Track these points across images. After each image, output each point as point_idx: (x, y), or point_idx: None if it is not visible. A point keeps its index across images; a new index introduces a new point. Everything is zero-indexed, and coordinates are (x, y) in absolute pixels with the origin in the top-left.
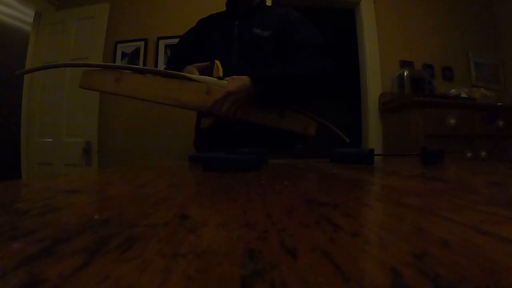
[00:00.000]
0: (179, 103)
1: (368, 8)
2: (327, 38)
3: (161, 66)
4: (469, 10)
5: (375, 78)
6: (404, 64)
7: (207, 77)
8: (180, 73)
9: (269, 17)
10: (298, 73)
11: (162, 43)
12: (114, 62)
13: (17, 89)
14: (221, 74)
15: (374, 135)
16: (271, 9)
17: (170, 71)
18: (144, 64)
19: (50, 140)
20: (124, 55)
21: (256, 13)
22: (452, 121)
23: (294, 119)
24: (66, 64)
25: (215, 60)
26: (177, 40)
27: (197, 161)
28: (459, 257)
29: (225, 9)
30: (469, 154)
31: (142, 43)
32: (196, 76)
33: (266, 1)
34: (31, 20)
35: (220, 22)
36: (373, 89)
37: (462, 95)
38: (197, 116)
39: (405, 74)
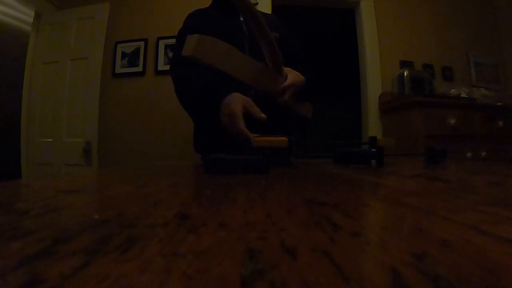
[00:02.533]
0: (258, 85)
1: (368, 8)
2: (327, 38)
3: (161, 66)
4: (469, 10)
5: (375, 78)
6: (404, 64)
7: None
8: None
9: (270, 19)
10: (321, 81)
11: (162, 43)
12: (114, 62)
13: (17, 89)
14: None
15: (374, 135)
16: (266, 13)
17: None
18: (144, 64)
19: (50, 140)
20: (124, 55)
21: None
22: (452, 121)
23: (303, 104)
24: None
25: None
26: None
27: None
28: (459, 257)
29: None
30: (469, 154)
31: (142, 43)
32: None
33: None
34: (31, 20)
35: (219, 16)
36: (373, 89)
37: (462, 95)
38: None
39: (405, 74)
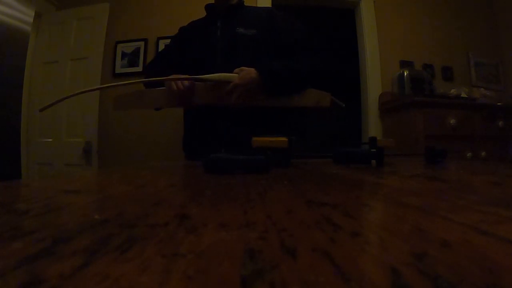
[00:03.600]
0: (195, 104)
1: (368, 8)
2: (326, 38)
3: None
4: (469, 10)
5: (375, 78)
6: (404, 64)
7: (217, 74)
8: (192, 76)
9: (252, 16)
10: (301, 68)
11: (162, 43)
12: (114, 62)
13: (17, 89)
14: None
15: (374, 135)
16: (252, 8)
17: (186, 76)
18: (144, 64)
19: (50, 140)
20: (124, 55)
21: (237, 13)
22: (452, 121)
23: (304, 94)
24: (81, 92)
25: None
26: None
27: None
28: (459, 257)
29: (205, 14)
30: (469, 154)
31: (142, 43)
32: (207, 76)
33: (244, 1)
34: (31, 20)
35: (201, 26)
36: (373, 89)
37: (462, 95)
38: (184, 120)
39: (405, 74)
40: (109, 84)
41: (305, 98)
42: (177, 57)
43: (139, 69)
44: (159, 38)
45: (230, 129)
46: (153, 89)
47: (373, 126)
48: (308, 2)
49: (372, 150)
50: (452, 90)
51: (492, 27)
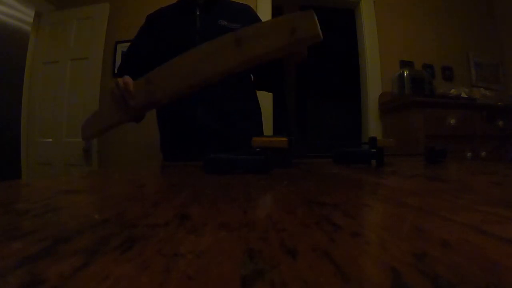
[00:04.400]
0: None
1: (368, 8)
2: (327, 38)
3: None
4: (469, 10)
5: (375, 78)
6: (404, 64)
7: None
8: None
9: (233, 10)
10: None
11: None
12: (114, 62)
13: (17, 89)
14: None
15: (374, 135)
16: (232, 2)
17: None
18: None
19: (50, 140)
20: (124, 55)
21: (217, 4)
22: (452, 121)
23: (262, 34)
24: None
25: None
26: None
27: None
28: (459, 257)
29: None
30: (469, 154)
31: None
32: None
33: None
34: (31, 20)
35: (176, 14)
36: (373, 89)
37: (462, 95)
38: (159, 121)
39: (405, 74)
40: None
41: (266, 39)
42: (147, 54)
43: None
44: None
45: (212, 129)
46: (104, 103)
47: (373, 126)
48: (308, 2)
49: (372, 150)
50: (452, 90)
51: (492, 27)
